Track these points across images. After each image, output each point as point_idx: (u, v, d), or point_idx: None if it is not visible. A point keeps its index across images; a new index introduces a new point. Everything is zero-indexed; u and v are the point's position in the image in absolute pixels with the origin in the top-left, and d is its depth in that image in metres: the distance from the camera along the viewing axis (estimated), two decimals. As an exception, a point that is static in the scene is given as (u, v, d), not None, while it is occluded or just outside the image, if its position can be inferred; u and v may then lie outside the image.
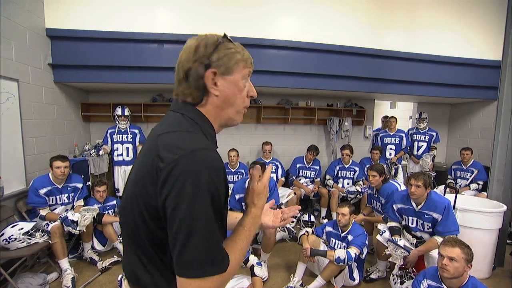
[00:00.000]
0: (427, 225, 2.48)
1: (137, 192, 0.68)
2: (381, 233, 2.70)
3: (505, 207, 2.81)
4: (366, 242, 2.57)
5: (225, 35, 0.75)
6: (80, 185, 3.04)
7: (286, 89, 4.19)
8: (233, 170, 4.19)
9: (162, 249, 0.69)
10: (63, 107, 3.72)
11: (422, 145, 4.80)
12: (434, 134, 4.79)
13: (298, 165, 4.47)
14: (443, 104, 5.63)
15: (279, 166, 4.37)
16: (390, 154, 4.75)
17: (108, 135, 4.03)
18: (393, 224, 2.68)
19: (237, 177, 4.15)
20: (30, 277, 2.54)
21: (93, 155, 3.78)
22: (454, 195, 2.93)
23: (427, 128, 4.83)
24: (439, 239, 2.30)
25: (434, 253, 2.29)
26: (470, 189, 4.26)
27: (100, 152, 3.83)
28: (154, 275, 0.72)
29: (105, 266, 2.85)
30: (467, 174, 4.41)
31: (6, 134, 2.69)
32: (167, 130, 0.70)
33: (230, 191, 3.21)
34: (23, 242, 2.46)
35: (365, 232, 2.63)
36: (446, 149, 5.75)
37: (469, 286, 1.77)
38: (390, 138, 4.78)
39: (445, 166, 5.24)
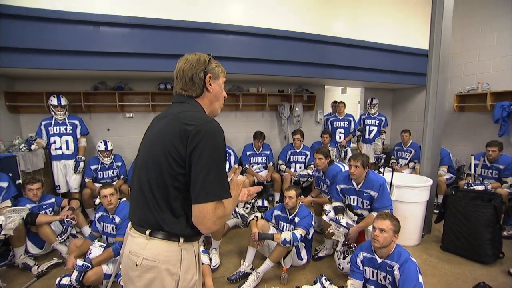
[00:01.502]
0: (366, 203, 2.67)
1: (167, 149, 0.96)
2: (326, 213, 2.84)
3: (431, 181, 3.13)
4: (313, 223, 2.68)
5: (211, 55, 1.15)
6: (5, 184, 2.73)
7: (237, 75, 4.12)
8: None
9: (180, 191, 0.98)
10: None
11: (373, 129, 5.12)
12: (383, 118, 5.13)
13: (248, 153, 4.50)
14: (386, 89, 6.03)
15: (232, 153, 4.35)
16: (340, 137, 5.00)
17: (43, 127, 3.64)
18: (337, 204, 2.83)
19: None
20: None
21: (23, 150, 3.39)
22: (391, 173, 3.19)
23: (378, 113, 5.14)
24: (375, 215, 2.46)
25: (372, 227, 2.48)
26: (409, 167, 4.67)
27: (33, 147, 3.45)
28: (168, 214, 1.00)
29: (42, 271, 2.61)
30: (406, 154, 4.83)
31: None
32: (183, 110, 1.04)
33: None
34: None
35: (311, 214, 2.74)
36: (390, 131, 6.21)
37: (395, 253, 1.95)
38: (339, 122, 5.01)
39: (389, 148, 5.67)
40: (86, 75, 3.89)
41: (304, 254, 2.73)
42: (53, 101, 3.61)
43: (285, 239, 2.43)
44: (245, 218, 3.48)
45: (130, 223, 1.12)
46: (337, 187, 2.84)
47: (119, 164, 3.96)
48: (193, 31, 3.54)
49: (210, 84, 1.11)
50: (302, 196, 2.95)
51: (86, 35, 3.21)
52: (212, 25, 3.59)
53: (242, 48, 3.79)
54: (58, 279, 2.25)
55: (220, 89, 1.17)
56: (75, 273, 2.20)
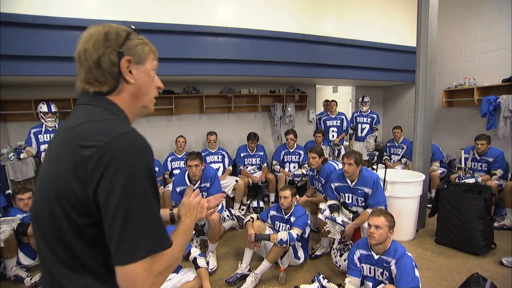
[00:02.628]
0: (360, 200, 2.69)
1: (58, 192, 0.63)
2: (321, 211, 2.85)
3: (424, 176, 3.18)
4: (308, 222, 2.70)
5: (132, 28, 0.76)
6: (-7, 195, 2.66)
7: (228, 77, 4.12)
8: (179, 156, 4.19)
9: (94, 247, 0.65)
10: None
11: (365, 127, 5.17)
12: (375, 116, 5.18)
13: (242, 154, 4.49)
14: (377, 87, 6.10)
15: (226, 155, 4.35)
16: (333, 136, 5.04)
17: (32, 135, 3.57)
18: (332, 202, 2.85)
19: (183, 163, 4.07)
20: None
21: (12, 159, 3.32)
22: (384, 169, 3.23)
23: (369, 111, 5.19)
24: (370, 211, 2.49)
25: (367, 224, 2.50)
26: (401, 163, 4.74)
27: (22, 155, 3.38)
28: (88, 279, 0.66)
29: (35, 282, 2.56)
30: (398, 150, 4.89)
31: None
32: (82, 121, 0.66)
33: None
34: None
35: (306, 213, 2.75)
36: (382, 128, 6.28)
37: (391, 249, 1.97)
38: (332, 121, 5.06)
39: (381, 145, 5.73)
40: (72, 80, 3.83)
41: (301, 253, 2.74)
42: (43, 108, 3.55)
43: (281, 239, 2.43)
44: (241, 219, 3.48)
45: None
46: (332, 185, 2.86)
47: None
48: (181, 34, 3.52)
49: (130, 72, 0.73)
50: (297, 196, 2.96)
51: (76, 40, 3.16)
52: (200, 27, 3.58)
53: (232, 49, 3.79)
54: None
55: (149, 77, 0.78)
56: None
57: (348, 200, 2.78)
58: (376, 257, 2.00)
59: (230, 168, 4.34)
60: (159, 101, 4.37)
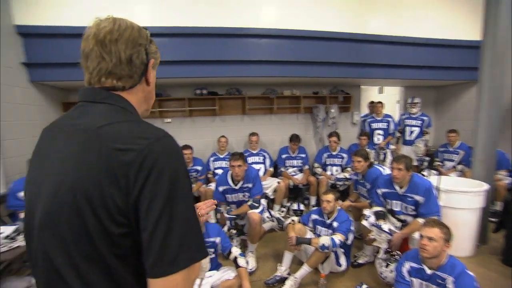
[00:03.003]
0: (411, 208, 2.50)
1: (87, 197, 0.56)
2: (366, 218, 2.71)
3: (486, 186, 2.84)
4: (352, 228, 2.59)
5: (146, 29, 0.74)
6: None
7: (270, 78, 4.14)
8: (221, 156, 4.28)
9: (126, 260, 0.60)
10: (42, 107, 3.63)
11: (414, 130, 4.80)
12: (426, 119, 4.78)
13: (283, 156, 4.46)
14: (429, 87, 5.64)
15: (267, 156, 4.36)
16: (378, 139, 4.77)
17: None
18: (378, 208, 2.70)
19: (226, 163, 4.20)
20: (14, 281, 2.51)
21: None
22: (438, 177, 2.96)
23: (420, 113, 4.81)
24: (421, 221, 2.31)
25: (418, 235, 2.31)
26: (456, 170, 4.30)
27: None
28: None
29: None
30: (453, 156, 4.45)
31: (-20, 137, 2.62)
32: (109, 121, 0.61)
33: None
34: (4, 246, 2.42)
35: (350, 218, 2.64)
36: (434, 132, 5.77)
37: (448, 265, 1.79)
38: (377, 123, 4.79)
39: (433, 149, 5.27)
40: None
41: (343, 260, 2.64)
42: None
43: (323, 244, 2.37)
44: (281, 221, 3.44)
45: None
46: (378, 191, 2.70)
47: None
48: (225, 36, 3.64)
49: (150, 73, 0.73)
50: (339, 200, 2.86)
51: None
52: (243, 29, 3.65)
53: (275, 51, 3.80)
54: None
55: (154, 83, 0.77)
56: None
57: (396, 207, 2.60)
58: (429, 272, 1.84)
59: (272, 169, 4.34)
60: (203, 102, 4.56)
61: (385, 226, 2.46)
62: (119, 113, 0.65)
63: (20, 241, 2.51)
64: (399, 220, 2.59)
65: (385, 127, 4.75)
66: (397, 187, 2.55)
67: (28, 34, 3.25)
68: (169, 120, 4.64)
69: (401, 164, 2.42)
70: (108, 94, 0.66)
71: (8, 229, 2.49)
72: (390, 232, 2.41)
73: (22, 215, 2.70)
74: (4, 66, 2.99)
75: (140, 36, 0.69)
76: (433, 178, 2.92)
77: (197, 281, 2.19)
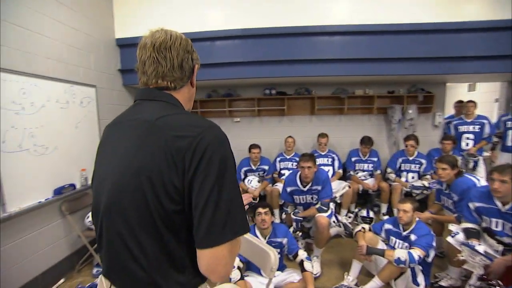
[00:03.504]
0: (518, 230, 2.08)
1: (149, 179, 0.65)
2: (452, 234, 2.36)
3: None
4: (433, 244, 2.29)
5: None
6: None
7: (341, 77, 3.95)
8: (288, 157, 4.27)
9: (179, 234, 0.70)
10: (131, 107, 4.18)
11: None
12: None
13: (353, 159, 4.22)
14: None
15: (336, 158, 4.20)
16: (467, 144, 4.11)
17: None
18: (469, 225, 2.32)
19: (292, 164, 4.19)
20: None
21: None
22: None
23: None
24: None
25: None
26: None
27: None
28: (169, 267, 0.70)
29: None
30: None
31: (88, 133, 3.13)
32: (165, 113, 0.72)
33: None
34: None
35: (432, 233, 2.35)
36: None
37: None
38: (467, 126, 4.13)
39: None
40: (202, 84, 4.46)
41: (421, 279, 2.35)
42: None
43: (399, 258, 2.15)
44: (348, 227, 3.27)
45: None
46: (470, 205, 2.32)
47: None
48: (295, 35, 3.59)
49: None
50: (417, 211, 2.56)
51: (204, 50, 3.71)
52: (314, 27, 3.55)
53: (348, 48, 3.60)
54: None
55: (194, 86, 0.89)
56: None
57: (497, 227, 2.19)
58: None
59: (340, 171, 4.16)
60: (271, 102, 4.61)
61: (480, 247, 2.09)
62: (171, 108, 0.76)
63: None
64: (501, 243, 2.17)
65: (477, 130, 4.06)
66: (498, 203, 2.14)
67: (124, 45, 3.78)
68: (238, 119, 4.83)
69: (506, 175, 2.02)
70: (161, 93, 0.78)
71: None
72: (488, 256, 2.04)
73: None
74: (106, 73, 3.55)
75: (188, 44, 0.81)
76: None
77: (265, 280, 2.22)
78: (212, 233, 0.64)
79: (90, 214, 2.84)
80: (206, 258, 0.65)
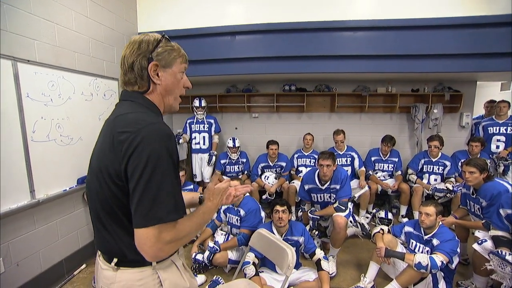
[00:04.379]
0: (553, 240, 1.95)
1: (101, 167, 0.81)
2: (479, 242, 2.26)
3: None
4: (458, 250, 2.19)
5: (164, 36, 0.91)
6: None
7: (363, 74, 3.83)
8: (306, 154, 4.22)
9: (127, 212, 0.80)
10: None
11: None
12: None
13: (373, 158, 4.10)
14: None
15: (356, 156, 4.08)
16: (498, 147, 3.90)
17: (187, 125, 4.38)
18: (499, 233, 2.19)
19: (310, 161, 4.13)
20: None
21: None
22: None
23: None
24: None
25: None
26: None
27: (180, 141, 4.23)
28: (129, 237, 0.80)
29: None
30: None
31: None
32: (124, 112, 0.84)
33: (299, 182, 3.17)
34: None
35: (456, 238, 2.24)
36: None
37: None
38: (498, 128, 3.91)
39: None
40: (222, 79, 4.47)
41: (442, 286, 2.26)
42: (196, 103, 4.31)
43: (420, 263, 2.07)
44: (365, 228, 3.19)
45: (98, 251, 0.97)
46: (501, 211, 2.19)
47: (244, 160, 4.35)
48: (316, 31, 3.51)
49: (157, 75, 0.89)
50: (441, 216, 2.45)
51: (224, 45, 3.70)
52: (337, 23, 3.45)
53: (370, 44, 3.47)
54: (194, 254, 2.68)
55: (175, 79, 0.93)
56: (207, 253, 2.59)
57: (529, 236, 2.07)
58: None
59: (363, 169, 4.02)
60: (291, 98, 4.57)
61: (510, 257, 1.98)
62: (134, 107, 0.87)
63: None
64: (532, 252, 2.05)
65: (509, 132, 3.84)
66: (531, 210, 2.02)
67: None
68: (256, 115, 4.82)
69: (540, 181, 1.90)
70: (131, 94, 0.90)
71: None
72: (518, 266, 1.93)
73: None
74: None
75: (140, 47, 0.87)
76: None
77: (279, 277, 2.22)
78: (138, 216, 0.74)
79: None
80: (135, 236, 0.75)
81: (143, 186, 0.73)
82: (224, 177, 4.22)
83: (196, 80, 4.47)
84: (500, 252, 2.02)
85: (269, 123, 4.80)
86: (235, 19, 3.64)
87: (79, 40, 2.76)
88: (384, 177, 4.00)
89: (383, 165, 4.04)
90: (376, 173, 4.03)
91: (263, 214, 2.79)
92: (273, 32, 3.58)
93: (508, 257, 1.96)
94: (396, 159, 4.02)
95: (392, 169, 4.02)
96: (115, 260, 0.87)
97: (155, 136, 0.76)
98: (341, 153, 4.08)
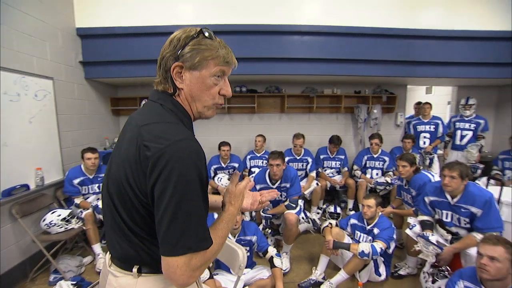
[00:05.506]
0: (464, 220, 2.27)
1: (123, 176, 0.74)
2: (410, 227, 2.54)
3: (560, 201, 2.48)
4: (394, 236, 2.43)
5: (201, 30, 0.78)
6: (110, 175, 3.20)
7: (311, 76, 4.04)
8: (258, 155, 4.28)
9: (143, 227, 0.76)
10: (94, 102, 3.93)
11: (467, 134, 4.36)
12: (482, 122, 4.30)
13: (322, 156, 4.33)
14: (488, 86, 5.08)
15: (310, 161, 4.12)
16: (424, 143, 4.42)
17: (135, 128, 4.16)
18: (425, 218, 2.49)
19: (262, 162, 4.20)
20: (68, 259, 2.75)
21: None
22: (499, 187, 2.65)
23: (474, 115, 4.36)
24: (478, 236, 2.09)
25: (473, 251, 2.10)
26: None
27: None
28: (154, 246, 0.77)
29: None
30: (516, 165, 3.98)
31: (44, 128, 2.90)
32: (149, 121, 0.75)
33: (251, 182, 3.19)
34: (61, 227, 2.67)
35: (393, 226, 2.49)
36: (491, 137, 5.21)
37: (513, 290, 1.59)
38: (424, 126, 4.44)
39: (490, 156, 4.76)
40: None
41: (382, 269, 2.50)
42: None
43: (363, 251, 2.25)
44: (317, 223, 3.36)
45: (108, 257, 0.89)
46: (426, 199, 2.50)
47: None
48: (267, 34, 3.61)
49: (181, 77, 0.79)
50: (380, 206, 2.70)
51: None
52: (286, 26, 3.60)
53: (318, 48, 3.69)
54: None
55: (203, 84, 0.79)
56: None
57: (447, 218, 2.38)
58: (489, 295, 1.65)
59: (313, 174, 4.08)
60: (242, 100, 4.59)
61: (433, 237, 2.26)
62: (163, 113, 0.78)
63: (74, 224, 2.74)
64: (449, 232, 2.37)
65: (432, 130, 4.38)
66: (448, 197, 2.33)
67: (85, 35, 3.54)
68: (207, 116, 4.74)
69: (454, 171, 2.20)
70: (160, 95, 0.82)
71: (64, 212, 2.73)
72: (439, 245, 2.21)
73: (76, 200, 2.95)
74: (66, 65, 3.29)
75: (170, 44, 0.79)
76: (492, 189, 2.63)
77: (235, 278, 2.21)
78: (166, 245, 0.68)
79: (47, 216, 2.64)
80: (163, 264, 0.70)
81: (171, 214, 0.67)
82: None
83: (145, 81, 4.26)
84: (424, 234, 2.30)
85: (221, 124, 4.79)
86: (184, 19, 3.56)
87: (-1, 31, 2.41)
88: (332, 173, 4.26)
89: (331, 163, 4.29)
90: (325, 170, 4.26)
91: (216, 215, 2.75)
92: (223, 34, 3.56)
93: (431, 238, 2.24)
94: (343, 157, 4.31)
95: (339, 166, 4.29)
96: (136, 266, 0.80)
97: (184, 156, 0.69)
98: (298, 157, 4.13)
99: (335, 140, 4.21)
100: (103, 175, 3.09)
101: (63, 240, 2.74)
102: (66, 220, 2.70)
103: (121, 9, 3.53)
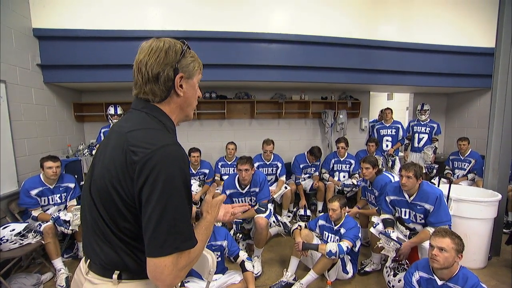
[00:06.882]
0: (419, 216, 2.46)
1: (109, 181, 0.75)
2: (374, 225, 2.69)
3: (500, 196, 2.78)
4: (359, 235, 2.56)
5: (185, 43, 0.85)
6: (72, 185, 3.03)
7: (279, 83, 4.15)
8: (229, 163, 4.26)
9: (126, 231, 0.77)
10: (55, 108, 3.70)
11: (423, 137, 4.78)
12: (435, 126, 4.77)
13: (301, 165, 4.31)
14: (439, 94, 5.58)
15: (280, 166, 4.17)
16: (387, 146, 4.73)
17: (102, 134, 3.94)
18: (386, 216, 2.66)
19: (233, 170, 4.18)
20: (23, 277, 2.54)
21: (86, 154, 3.77)
22: (448, 185, 2.91)
23: (429, 120, 4.79)
24: (431, 230, 2.27)
25: (427, 244, 2.27)
26: (468, 179, 4.23)
27: (94, 152, 3.81)
28: (134, 251, 0.79)
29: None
30: (464, 165, 4.38)
31: (-5, 135, 2.68)
32: (135, 128, 0.78)
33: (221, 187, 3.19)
34: (15, 243, 2.46)
35: (358, 225, 2.62)
36: (444, 139, 5.70)
37: (460, 276, 1.75)
38: (386, 130, 4.75)
39: (442, 157, 5.20)
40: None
41: (349, 267, 2.61)
42: (111, 110, 3.94)
43: (330, 251, 2.34)
44: (287, 226, 3.42)
45: (83, 264, 0.88)
46: (387, 198, 2.67)
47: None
48: (235, 41, 3.67)
49: (181, 86, 0.83)
50: (346, 207, 2.83)
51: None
52: (254, 34, 3.68)
53: (285, 56, 3.81)
54: None
55: (194, 90, 0.89)
56: None
57: (405, 215, 2.56)
58: (439, 282, 1.80)
59: (283, 178, 4.13)
60: (212, 106, 4.59)
61: (394, 234, 2.42)
62: (148, 121, 0.81)
63: (30, 239, 2.55)
64: (407, 228, 2.55)
65: (393, 133, 4.71)
66: (406, 195, 2.51)
67: (44, 36, 3.34)
68: (177, 122, 4.67)
69: (410, 172, 2.39)
70: (145, 104, 0.84)
71: (19, 227, 2.53)
72: (399, 241, 2.37)
73: (34, 212, 2.75)
74: (21, 68, 3.08)
75: (167, 55, 0.80)
76: (443, 187, 2.88)
77: (204, 284, 2.19)
78: (153, 246, 0.70)
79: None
80: (150, 265, 0.71)
81: (158, 215, 0.69)
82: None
83: (112, 87, 4.11)
84: (386, 231, 2.45)
85: (191, 130, 4.73)
86: (152, 24, 3.51)
87: None
88: (305, 179, 4.38)
89: (308, 170, 4.38)
90: (303, 180, 4.34)
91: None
92: (194, 40, 3.57)
93: (392, 235, 2.39)
94: (318, 163, 4.43)
95: (313, 172, 4.41)
96: (116, 272, 0.80)
97: (170, 160, 0.72)
98: (267, 163, 4.18)
99: (316, 153, 4.21)
100: (65, 184, 2.98)
101: (17, 257, 2.53)
102: (21, 235, 2.49)
103: (81, 10, 3.38)
